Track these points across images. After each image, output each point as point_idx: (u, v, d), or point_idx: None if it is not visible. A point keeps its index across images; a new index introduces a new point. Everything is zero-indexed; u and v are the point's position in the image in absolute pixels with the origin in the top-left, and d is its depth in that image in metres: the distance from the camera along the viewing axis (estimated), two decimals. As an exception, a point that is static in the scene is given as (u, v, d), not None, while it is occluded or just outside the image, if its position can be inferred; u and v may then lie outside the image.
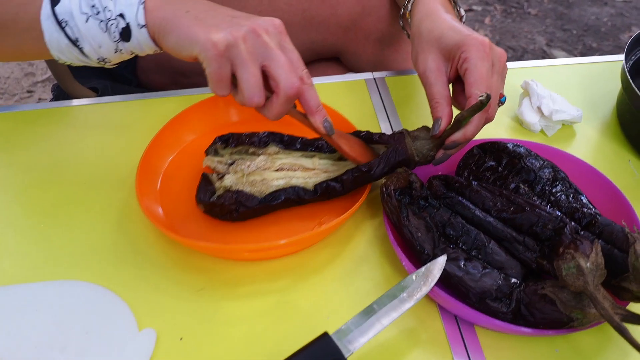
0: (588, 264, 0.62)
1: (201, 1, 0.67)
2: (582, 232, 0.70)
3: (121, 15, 0.65)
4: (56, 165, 0.87)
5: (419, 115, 0.99)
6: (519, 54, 2.66)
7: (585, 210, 0.72)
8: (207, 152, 0.85)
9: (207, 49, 0.62)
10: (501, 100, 0.76)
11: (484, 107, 0.71)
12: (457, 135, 0.75)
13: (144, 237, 0.78)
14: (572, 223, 0.70)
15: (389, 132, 0.92)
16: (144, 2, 0.65)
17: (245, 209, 0.76)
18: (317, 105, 0.70)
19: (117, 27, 0.66)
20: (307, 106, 0.69)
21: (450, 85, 0.80)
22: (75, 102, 1.00)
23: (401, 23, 0.93)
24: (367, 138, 0.81)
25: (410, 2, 0.85)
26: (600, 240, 0.68)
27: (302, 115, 0.71)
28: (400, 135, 0.79)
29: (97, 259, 0.76)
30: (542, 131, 0.95)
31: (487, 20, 2.88)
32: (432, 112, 0.76)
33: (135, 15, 0.65)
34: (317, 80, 1.05)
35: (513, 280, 0.69)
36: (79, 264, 0.75)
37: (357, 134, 0.82)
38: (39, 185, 0.85)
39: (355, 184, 0.78)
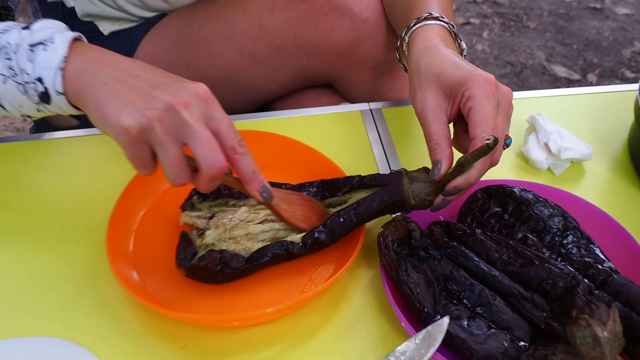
0: (605, 333, 0.57)
1: (123, 64, 0.62)
2: (597, 292, 0.64)
3: (39, 80, 0.62)
4: (30, 208, 0.82)
5: (417, 149, 0.94)
6: (517, 69, 2.61)
7: (600, 266, 0.66)
8: (183, 208, 0.78)
9: (119, 135, 0.58)
10: (506, 143, 0.71)
11: (490, 152, 0.65)
12: (459, 181, 0.69)
13: (120, 293, 0.72)
14: (586, 280, 0.65)
15: (385, 168, 0.87)
16: (63, 68, 0.61)
17: (231, 271, 0.70)
18: (252, 173, 0.65)
19: (35, 90, 0.63)
20: (241, 176, 0.64)
21: (451, 125, 0.74)
22: (50, 135, 0.94)
23: (398, 56, 0.87)
24: (360, 183, 0.75)
25: (408, 35, 0.79)
26: (616, 302, 0.62)
27: (238, 182, 0.66)
28: (397, 175, 0.73)
29: (70, 314, 0.70)
30: (549, 169, 0.90)
31: (485, 34, 2.83)
32: (430, 153, 0.71)
33: (52, 82, 0.62)
34: (309, 111, 1.00)
35: (521, 343, 0.64)
36: (52, 318, 0.69)
37: (347, 180, 0.76)
38: (8, 230, 0.79)
39: (345, 229, 0.73)
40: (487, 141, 0.64)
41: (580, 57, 2.67)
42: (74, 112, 0.65)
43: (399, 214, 0.73)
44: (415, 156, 0.92)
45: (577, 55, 2.69)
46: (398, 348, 0.61)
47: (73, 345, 0.67)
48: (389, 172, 0.76)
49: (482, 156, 0.66)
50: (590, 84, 2.51)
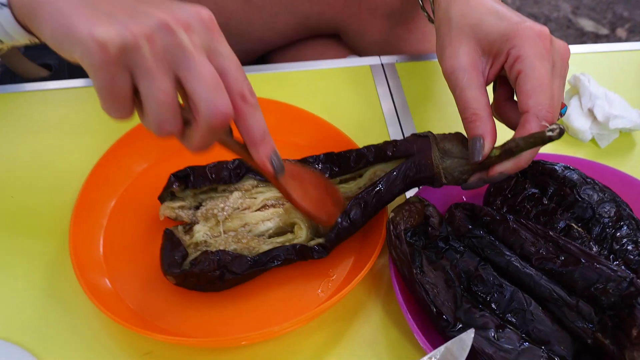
0: (679, 365, 0.44)
1: None
2: (663, 304, 0.52)
3: None
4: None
5: (437, 113, 0.81)
6: (541, 22, 2.43)
7: (665, 269, 0.53)
8: (161, 199, 0.63)
9: (91, 53, 0.42)
10: (561, 112, 0.57)
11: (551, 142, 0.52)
12: (506, 166, 0.56)
13: (77, 305, 0.59)
14: (647, 287, 0.52)
15: (397, 133, 0.74)
16: None
17: (233, 276, 0.57)
18: (262, 133, 0.50)
19: None
20: (247, 135, 0.49)
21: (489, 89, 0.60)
22: (12, 88, 0.80)
23: (420, 2, 0.73)
24: (377, 157, 0.62)
25: None
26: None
27: (240, 146, 0.51)
28: (424, 143, 0.60)
29: (23, 317, 0.58)
30: (593, 140, 0.78)
31: (507, -17, 2.66)
32: (467, 126, 0.57)
33: None
34: (310, 65, 0.87)
35: (562, 363, 0.51)
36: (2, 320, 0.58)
37: (361, 153, 0.62)
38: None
39: (366, 217, 0.60)
40: (550, 133, 0.51)
41: (609, 10, 2.50)
42: (24, 37, 0.50)
43: (413, 195, 0.60)
44: (434, 121, 0.80)
45: (605, 8, 2.52)
46: (409, 369, 0.49)
47: (11, 348, 0.55)
48: (410, 136, 0.62)
49: (538, 145, 0.53)
50: (619, 40, 2.34)
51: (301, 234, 0.60)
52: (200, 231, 0.60)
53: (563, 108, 0.57)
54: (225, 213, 0.61)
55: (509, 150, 0.55)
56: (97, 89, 0.44)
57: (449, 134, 0.60)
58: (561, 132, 0.51)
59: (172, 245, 0.58)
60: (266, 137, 0.50)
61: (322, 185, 0.60)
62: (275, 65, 0.89)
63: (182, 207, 0.62)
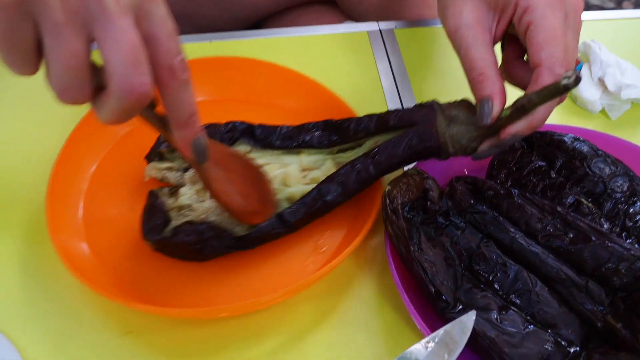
0: (700, 353, 0.40)
1: None
2: (680, 285, 0.48)
3: None
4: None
5: (438, 82, 0.77)
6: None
7: (682, 248, 0.50)
8: (148, 158, 0.60)
9: None
10: (576, 69, 0.52)
11: (566, 92, 0.48)
12: (519, 126, 0.52)
13: (55, 276, 0.55)
14: (663, 267, 0.48)
15: (395, 103, 0.69)
16: None
17: (213, 251, 0.53)
18: (189, 114, 0.43)
19: None
20: (171, 114, 0.43)
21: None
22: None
23: None
24: (379, 126, 0.57)
25: None
26: None
27: (162, 123, 0.45)
28: (429, 111, 0.56)
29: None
30: (603, 111, 0.73)
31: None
32: (474, 88, 0.53)
33: None
34: (305, 31, 0.83)
35: (570, 348, 0.48)
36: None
37: (361, 121, 0.58)
38: None
39: (360, 183, 0.56)
40: (566, 81, 0.47)
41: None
42: None
43: (412, 167, 0.56)
44: (434, 91, 0.75)
45: (611, -18, 2.46)
46: (404, 353, 0.45)
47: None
48: (413, 106, 0.58)
49: (554, 97, 0.49)
50: (625, 14, 2.29)
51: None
52: (186, 194, 0.56)
53: (578, 65, 0.53)
54: None
55: (521, 108, 0.50)
56: None
57: (455, 101, 0.56)
58: (578, 80, 0.46)
59: (154, 209, 0.54)
60: (192, 119, 0.44)
61: (252, 177, 0.55)
62: (268, 30, 0.85)
63: (169, 169, 0.59)
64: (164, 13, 0.40)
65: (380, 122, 0.57)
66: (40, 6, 0.36)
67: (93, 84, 0.39)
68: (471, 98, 0.55)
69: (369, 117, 0.58)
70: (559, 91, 0.48)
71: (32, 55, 0.38)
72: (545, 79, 0.50)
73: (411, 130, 0.56)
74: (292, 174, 0.58)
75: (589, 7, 2.35)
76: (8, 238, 0.57)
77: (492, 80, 0.52)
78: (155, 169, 0.59)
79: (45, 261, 0.55)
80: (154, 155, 0.59)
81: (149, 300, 0.52)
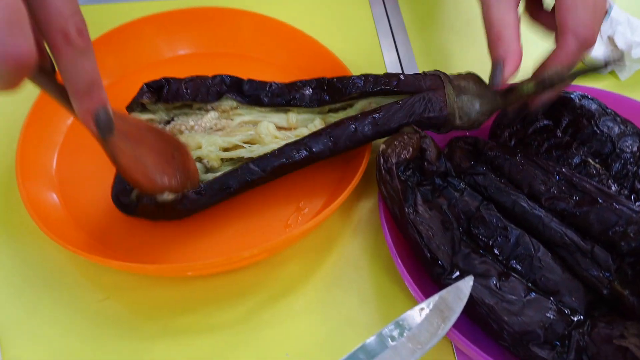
0: None
1: None
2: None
3: None
4: None
5: (441, 45, 0.72)
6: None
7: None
8: (129, 109, 0.57)
9: None
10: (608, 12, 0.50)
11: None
12: (548, 95, 0.50)
13: (27, 234, 0.53)
14: (674, 231, 0.45)
15: (394, 66, 0.66)
16: None
17: (177, 213, 0.51)
18: (88, 84, 0.39)
19: None
20: (68, 84, 0.38)
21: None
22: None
23: None
24: (376, 87, 0.54)
25: None
26: None
27: (58, 92, 0.40)
28: (436, 80, 0.53)
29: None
30: (612, 72, 0.70)
31: None
32: (490, 47, 0.51)
33: None
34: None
35: (573, 316, 0.45)
36: None
37: (357, 82, 0.55)
38: None
39: (352, 142, 0.53)
40: (609, 64, 0.44)
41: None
42: None
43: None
44: (435, 50, 0.71)
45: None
46: (398, 319, 0.42)
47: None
48: (417, 73, 0.55)
49: (587, 74, 0.47)
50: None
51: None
52: None
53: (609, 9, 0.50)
54: (193, 131, 0.55)
55: (548, 83, 0.48)
56: None
57: (463, 73, 0.54)
58: (621, 56, 0.44)
59: None
60: (93, 89, 0.39)
61: (168, 152, 0.50)
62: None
63: (150, 120, 0.56)
64: None
65: (379, 84, 0.54)
66: None
67: None
68: (476, 69, 0.52)
69: (365, 77, 0.55)
70: (598, 67, 0.45)
71: None
72: (571, 46, 0.48)
73: (417, 96, 0.53)
74: (265, 133, 0.55)
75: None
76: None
77: (508, 41, 0.49)
78: None
79: (18, 223, 0.53)
80: (136, 105, 0.56)
81: (123, 258, 0.50)
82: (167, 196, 0.49)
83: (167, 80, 0.56)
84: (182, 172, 0.50)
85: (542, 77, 0.49)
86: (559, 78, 0.48)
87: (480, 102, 0.52)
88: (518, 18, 0.51)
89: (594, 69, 0.46)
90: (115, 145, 0.44)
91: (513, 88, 0.51)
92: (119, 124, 0.42)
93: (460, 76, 0.54)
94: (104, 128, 0.40)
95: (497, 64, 0.50)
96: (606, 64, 0.45)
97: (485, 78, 0.52)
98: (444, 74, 0.54)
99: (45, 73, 0.39)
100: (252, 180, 0.52)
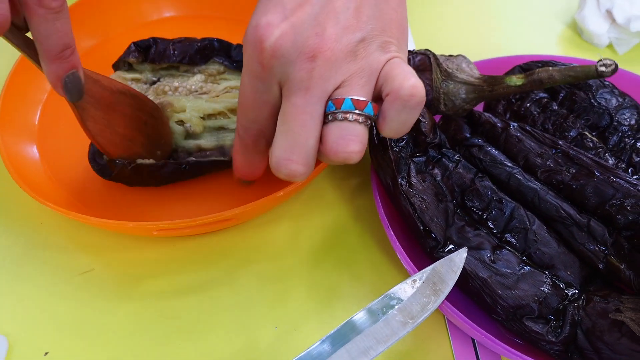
0: None
1: None
2: (690, 223, 0.44)
3: None
4: None
5: (438, 24, 0.70)
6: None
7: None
8: (115, 67, 0.56)
9: None
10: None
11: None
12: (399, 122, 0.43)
13: (6, 195, 0.52)
14: (671, 204, 0.45)
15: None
16: None
17: (153, 179, 0.50)
18: (61, 47, 0.38)
19: None
20: (40, 46, 0.38)
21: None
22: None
23: None
24: None
25: None
26: None
27: (30, 51, 0.40)
28: (424, 60, 0.52)
29: None
30: (610, 46, 0.69)
31: None
32: None
33: None
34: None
35: (568, 290, 0.44)
36: None
37: None
38: None
39: None
40: (604, 68, 0.45)
41: None
42: None
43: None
44: (435, 33, 0.69)
45: None
46: (389, 292, 0.41)
47: None
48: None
49: (580, 80, 0.47)
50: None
51: None
52: None
53: None
54: (177, 93, 0.54)
55: (537, 81, 0.47)
56: None
57: (454, 55, 0.52)
58: (616, 69, 0.43)
59: None
60: (65, 53, 0.39)
61: (140, 118, 0.49)
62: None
63: (135, 80, 0.55)
64: None
65: None
66: None
67: None
68: (468, 53, 0.50)
69: None
70: (590, 75, 0.45)
71: None
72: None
73: None
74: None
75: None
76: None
77: None
78: (121, 79, 0.55)
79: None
80: (122, 64, 0.56)
81: (100, 216, 0.48)
82: (145, 160, 0.48)
83: (155, 40, 0.56)
84: (153, 139, 0.49)
85: (533, 76, 0.48)
86: (550, 80, 0.47)
87: (467, 89, 0.51)
88: None
89: (586, 77, 0.45)
90: (84, 110, 0.43)
91: (501, 79, 0.50)
92: (92, 88, 0.42)
93: (450, 58, 0.52)
94: (72, 93, 0.40)
95: None
96: (600, 74, 0.44)
97: (478, 56, 0.51)
98: (434, 55, 0.52)
99: (17, 29, 0.38)
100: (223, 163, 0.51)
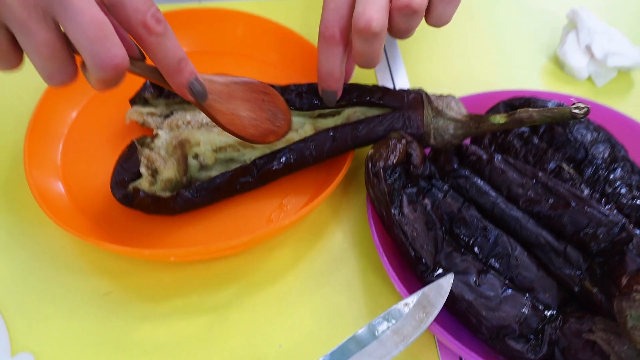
0: (670, 316, 0.41)
1: None
2: (656, 250, 0.48)
3: None
4: None
5: (432, 64, 0.74)
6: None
7: (659, 214, 0.50)
8: (132, 102, 0.60)
9: None
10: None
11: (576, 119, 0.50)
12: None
13: (34, 223, 0.56)
14: (639, 232, 0.48)
15: (384, 78, 0.69)
16: None
17: (169, 208, 0.54)
18: (177, 61, 0.44)
19: None
20: (160, 66, 0.44)
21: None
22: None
23: None
24: (361, 99, 0.57)
25: None
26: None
27: (154, 74, 0.46)
28: (416, 99, 0.56)
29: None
30: (589, 79, 0.73)
31: None
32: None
33: None
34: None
35: (547, 312, 0.48)
36: None
37: (345, 89, 0.58)
38: None
39: (334, 151, 0.57)
40: (577, 111, 0.49)
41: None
42: None
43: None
44: (428, 73, 0.73)
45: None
46: (383, 314, 0.45)
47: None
48: (400, 90, 0.58)
49: (557, 121, 0.51)
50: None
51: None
52: (163, 137, 0.57)
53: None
54: (190, 126, 0.58)
55: (518, 121, 0.52)
56: None
57: (445, 95, 0.57)
58: (587, 112, 0.48)
59: (127, 162, 0.55)
60: (182, 64, 0.44)
61: (258, 98, 0.55)
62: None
63: (151, 114, 0.59)
64: None
65: (364, 95, 0.57)
66: (2, 9, 0.37)
67: (73, 61, 0.40)
68: (457, 86, 0.55)
69: (352, 86, 0.58)
70: (565, 117, 0.49)
71: (12, 53, 0.39)
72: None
73: (397, 112, 0.56)
74: None
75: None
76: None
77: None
78: (137, 113, 0.59)
79: (24, 210, 0.56)
80: (139, 99, 0.60)
81: (119, 243, 0.53)
82: (164, 193, 0.53)
83: None
84: (275, 111, 0.54)
85: (514, 116, 0.52)
86: (529, 120, 0.51)
87: (455, 126, 0.55)
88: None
89: (562, 117, 0.50)
90: (212, 107, 0.49)
91: (486, 118, 0.54)
92: (210, 86, 0.47)
93: (440, 97, 0.56)
94: (198, 95, 0.46)
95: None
96: (574, 116, 0.49)
97: (466, 89, 0.55)
98: (426, 93, 0.56)
99: (136, 60, 0.44)
100: (242, 182, 0.55)
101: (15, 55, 0.40)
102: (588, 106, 0.48)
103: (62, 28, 0.39)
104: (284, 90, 0.59)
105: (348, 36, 0.51)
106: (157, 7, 0.41)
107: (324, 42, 0.52)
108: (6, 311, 0.50)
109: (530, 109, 0.51)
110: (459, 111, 0.55)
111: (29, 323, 0.50)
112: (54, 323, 0.50)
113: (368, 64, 0.52)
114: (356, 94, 0.57)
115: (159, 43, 0.42)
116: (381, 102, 0.56)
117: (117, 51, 0.39)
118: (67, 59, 0.40)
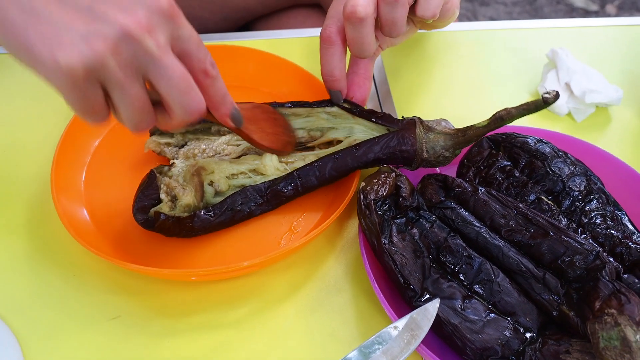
0: (638, 337, 0.44)
1: None
2: (626, 277, 0.52)
3: None
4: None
5: (420, 93, 0.79)
6: (531, -2, 2.42)
7: (630, 243, 0.54)
8: (151, 132, 0.65)
9: (57, 78, 0.41)
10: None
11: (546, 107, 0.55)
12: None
13: (57, 247, 0.60)
14: (612, 260, 0.52)
15: (374, 105, 0.74)
16: None
17: (188, 234, 0.59)
18: (223, 96, 0.52)
19: None
20: (210, 101, 0.51)
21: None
22: None
23: None
24: (363, 114, 0.64)
25: None
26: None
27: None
28: (410, 122, 0.62)
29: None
30: (569, 114, 0.77)
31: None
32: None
33: None
34: (294, 33, 0.86)
35: (527, 334, 0.52)
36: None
37: (347, 110, 0.64)
38: None
39: (336, 171, 0.62)
40: (547, 95, 0.54)
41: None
42: None
43: (384, 165, 0.60)
44: (417, 102, 0.78)
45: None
46: (374, 336, 0.49)
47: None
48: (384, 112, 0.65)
49: (532, 112, 0.56)
50: (608, 16, 2.32)
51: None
52: (179, 167, 0.61)
53: None
54: (205, 154, 0.63)
55: (499, 119, 0.57)
56: (69, 105, 0.44)
57: (434, 120, 0.62)
58: (557, 96, 0.52)
59: (147, 189, 0.59)
60: (226, 98, 0.52)
61: (271, 117, 0.63)
62: (258, 32, 0.88)
63: (168, 144, 0.64)
64: (189, 31, 0.46)
65: (367, 112, 0.63)
66: (103, 74, 0.42)
67: (153, 110, 0.47)
68: (450, 117, 0.60)
69: (354, 104, 0.64)
70: (539, 106, 0.53)
71: (103, 111, 0.45)
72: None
73: (391, 132, 0.61)
74: (269, 164, 0.62)
75: (573, 9, 2.38)
76: (15, 213, 0.62)
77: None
78: (154, 143, 0.64)
79: (51, 233, 0.60)
80: (156, 130, 0.65)
81: (140, 263, 0.56)
82: (183, 212, 0.57)
83: None
84: (286, 126, 0.64)
85: (495, 115, 0.57)
86: (508, 116, 0.56)
87: (444, 138, 0.60)
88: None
89: (536, 108, 0.55)
90: (247, 128, 0.58)
91: (471, 126, 0.59)
92: (242, 113, 0.55)
93: (432, 120, 0.62)
94: (237, 121, 0.54)
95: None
96: (546, 102, 0.54)
97: (458, 124, 0.60)
98: (419, 118, 0.62)
99: None
100: (255, 204, 0.60)
101: (105, 111, 0.45)
102: (557, 91, 0.53)
103: (152, 84, 0.45)
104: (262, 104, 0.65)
105: (344, 38, 0.59)
106: (210, 55, 0.48)
107: (322, 43, 0.60)
108: (22, 329, 0.54)
109: (508, 107, 0.56)
110: (448, 127, 0.61)
111: (48, 336, 0.54)
112: (71, 340, 0.54)
113: (359, 51, 0.59)
114: (361, 108, 0.64)
115: (213, 84, 0.49)
116: (380, 121, 0.62)
117: (200, 99, 0.47)
118: (151, 109, 0.46)
